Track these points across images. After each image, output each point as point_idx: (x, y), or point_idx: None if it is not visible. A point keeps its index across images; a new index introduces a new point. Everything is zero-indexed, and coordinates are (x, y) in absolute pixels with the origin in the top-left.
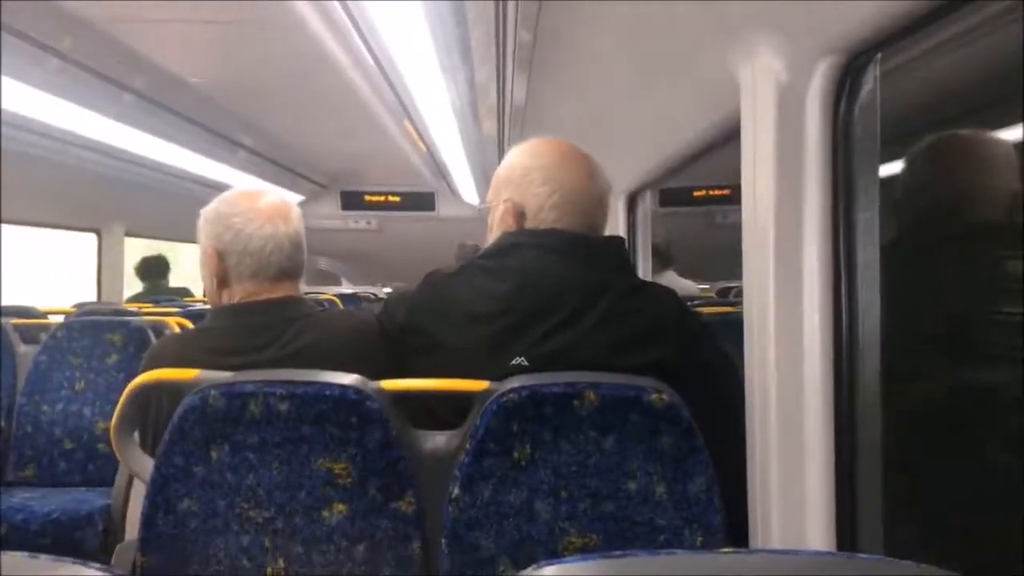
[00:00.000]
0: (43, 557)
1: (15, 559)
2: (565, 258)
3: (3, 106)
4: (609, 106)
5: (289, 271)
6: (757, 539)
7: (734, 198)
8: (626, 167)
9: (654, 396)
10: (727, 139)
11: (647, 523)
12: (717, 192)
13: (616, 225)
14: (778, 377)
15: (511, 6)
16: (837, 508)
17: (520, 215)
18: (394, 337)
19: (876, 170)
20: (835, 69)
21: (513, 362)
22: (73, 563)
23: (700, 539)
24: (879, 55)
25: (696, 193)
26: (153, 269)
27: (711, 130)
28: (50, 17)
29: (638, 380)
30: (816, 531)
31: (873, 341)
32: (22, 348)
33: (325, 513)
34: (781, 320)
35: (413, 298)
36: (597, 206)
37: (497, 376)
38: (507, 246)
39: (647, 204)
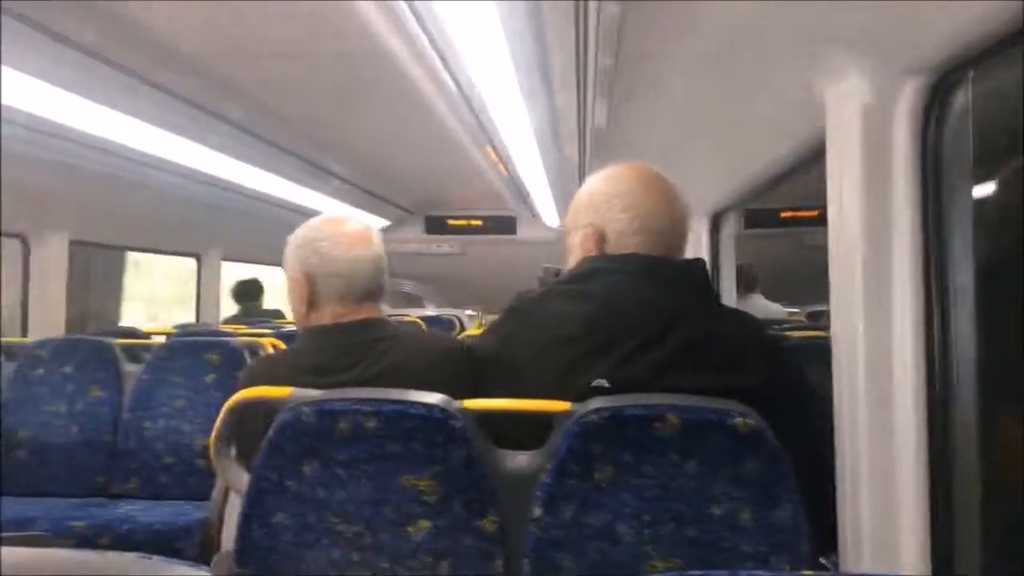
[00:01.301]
0: (155, 558)
1: (129, 559)
2: (647, 282)
3: (113, 138)
4: (691, 128)
5: (373, 292)
6: (847, 564)
7: (823, 219)
8: (709, 188)
9: (738, 420)
10: (814, 160)
11: (732, 549)
12: (805, 213)
13: (699, 247)
14: (868, 400)
15: (592, 31)
16: (932, 533)
17: (601, 240)
18: (484, 365)
19: (969, 192)
20: (923, 89)
21: (594, 383)
22: (184, 565)
23: (787, 568)
24: (971, 72)
25: (783, 214)
26: (248, 292)
27: (797, 151)
28: (155, 52)
29: (722, 403)
30: (911, 557)
31: (968, 365)
32: (128, 367)
33: (411, 529)
34: (871, 344)
35: (499, 326)
36: (677, 230)
37: (578, 398)
38: (589, 270)
39: (732, 225)
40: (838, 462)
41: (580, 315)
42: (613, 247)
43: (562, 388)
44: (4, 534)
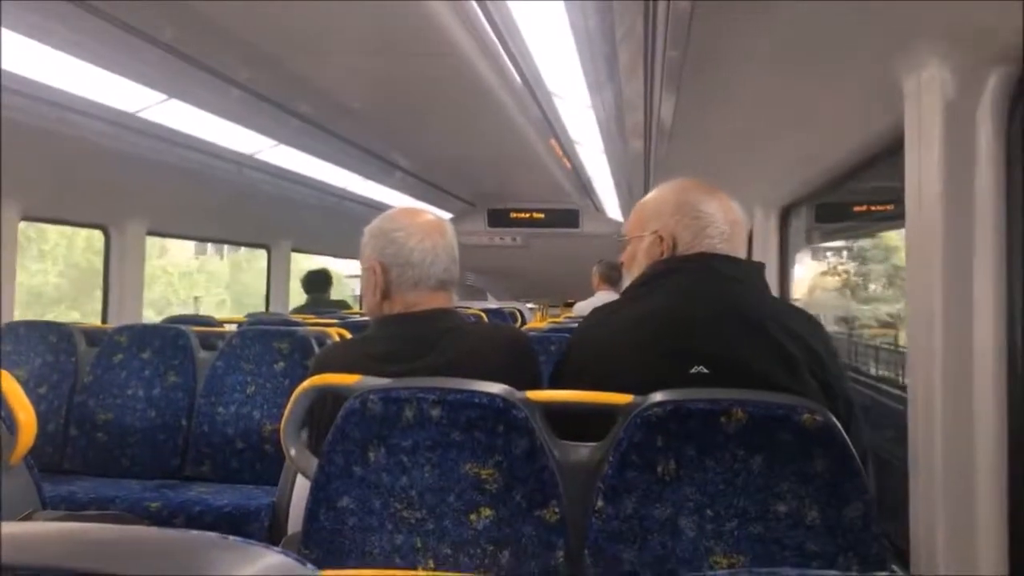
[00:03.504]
0: (231, 538)
1: (210, 537)
2: (725, 278)
3: (188, 132)
4: (761, 120)
5: (446, 282)
6: (919, 567)
7: (898, 215)
8: (779, 182)
9: (806, 416)
10: (891, 153)
11: (797, 548)
12: (879, 208)
13: (768, 242)
14: (945, 399)
15: (660, 24)
16: (1010, 536)
17: (672, 245)
18: (573, 364)
19: None
20: (1009, 78)
21: (693, 371)
22: (261, 546)
23: (856, 568)
24: None
25: (856, 209)
26: (317, 283)
27: (873, 144)
28: (232, 49)
29: (789, 399)
30: (987, 557)
31: None
32: (202, 354)
33: (472, 517)
34: (949, 345)
35: (580, 338)
36: (738, 234)
37: (676, 386)
38: (662, 271)
39: (802, 220)
40: (911, 463)
41: (667, 311)
42: (684, 251)
43: (658, 378)
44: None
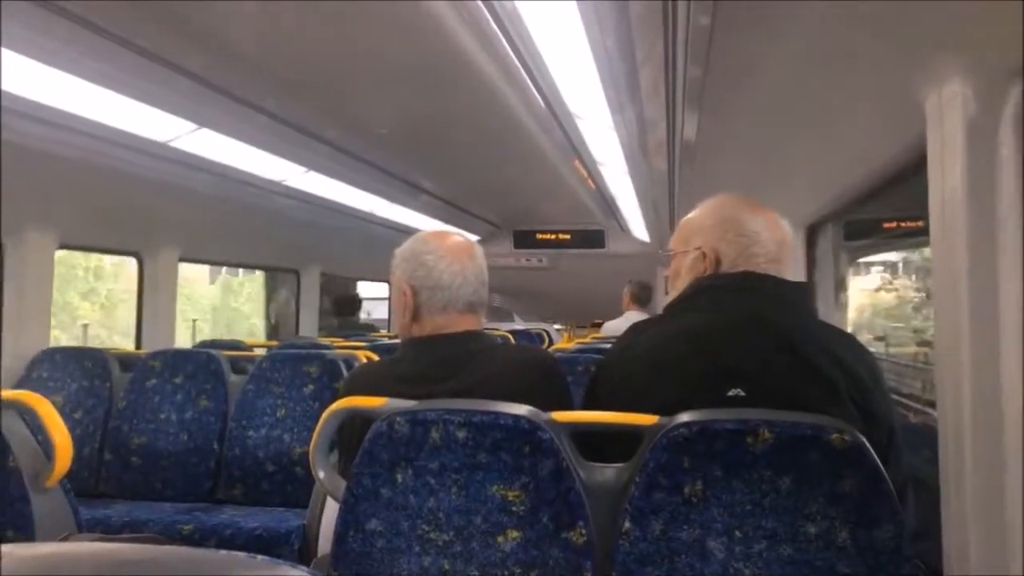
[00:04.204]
0: (260, 558)
1: (239, 557)
2: (764, 298)
3: (218, 159)
4: (785, 137)
5: (475, 304)
6: (952, 570)
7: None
8: (804, 199)
9: (835, 436)
10: (916, 169)
11: (828, 569)
12: (908, 224)
13: (795, 260)
14: (974, 409)
15: (680, 42)
16: None
17: (715, 262)
18: (607, 383)
19: None
20: None
21: (730, 393)
22: (290, 566)
23: None
24: None
25: (885, 225)
26: (347, 305)
27: (899, 159)
28: (257, 77)
29: (817, 418)
30: (1019, 559)
31: None
32: (232, 378)
33: (500, 539)
34: (976, 363)
35: (617, 355)
36: (783, 253)
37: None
38: (704, 288)
39: (829, 238)
40: (942, 483)
41: (705, 329)
42: (728, 268)
43: (694, 398)
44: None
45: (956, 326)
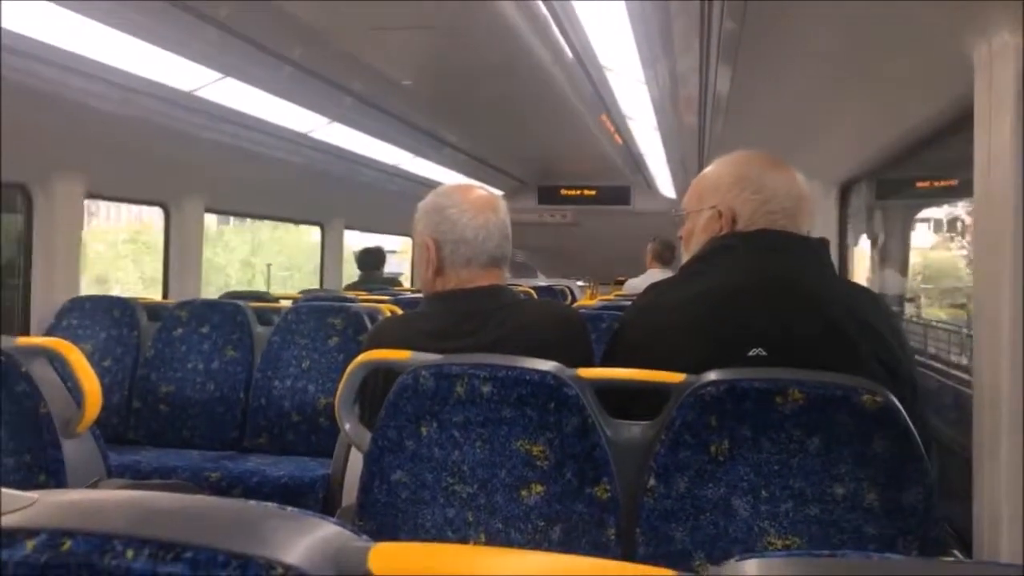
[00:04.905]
0: (290, 509)
1: (268, 507)
2: (783, 256)
3: (245, 110)
4: (820, 94)
5: (498, 259)
6: (983, 554)
7: (963, 191)
8: (839, 157)
9: (866, 397)
10: (958, 126)
11: (855, 531)
12: (943, 183)
13: (828, 219)
14: (1011, 380)
15: None
16: None
17: (731, 220)
18: (626, 345)
19: None
20: None
21: (751, 353)
22: (319, 517)
23: (915, 552)
24: None
25: (919, 184)
26: (370, 260)
27: (939, 116)
28: (284, 26)
29: (849, 379)
30: None
31: None
32: (258, 329)
33: (524, 493)
34: (1015, 327)
35: (635, 315)
36: (804, 210)
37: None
38: (721, 247)
39: (863, 196)
40: (975, 448)
41: (725, 289)
42: (744, 227)
43: (714, 358)
44: (149, 481)
45: (997, 287)
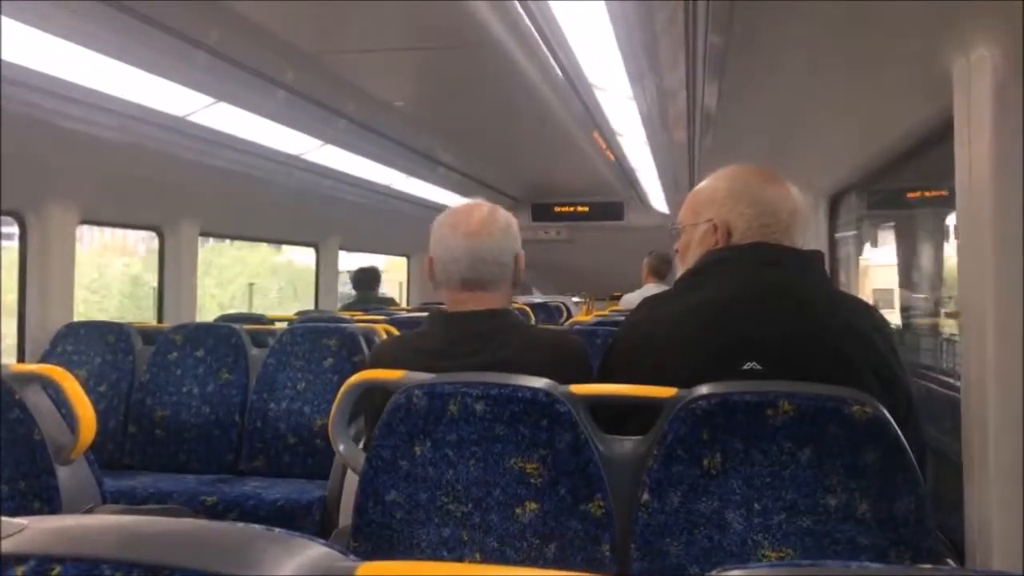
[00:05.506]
0: (278, 531)
1: (256, 530)
2: (777, 269)
3: (239, 135)
4: (808, 106)
5: (472, 283)
6: (974, 563)
7: (952, 201)
8: (828, 169)
9: (856, 408)
10: (941, 137)
11: (848, 541)
12: (934, 193)
13: (817, 231)
14: (998, 389)
15: (701, 9)
16: None
17: (727, 234)
18: (620, 359)
19: None
20: None
21: (745, 367)
22: (306, 539)
23: (908, 562)
24: None
25: (910, 195)
26: (366, 279)
27: (924, 128)
28: (276, 51)
29: (838, 390)
30: None
31: None
32: (253, 351)
33: (518, 510)
34: (1001, 332)
35: (629, 330)
36: (797, 223)
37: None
38: (716, 260)
39: (853, 208)
40: (965, 455)
41: (720, 301)
42: (739, 240)
43: (708, 372)
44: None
45: (982, 294)
